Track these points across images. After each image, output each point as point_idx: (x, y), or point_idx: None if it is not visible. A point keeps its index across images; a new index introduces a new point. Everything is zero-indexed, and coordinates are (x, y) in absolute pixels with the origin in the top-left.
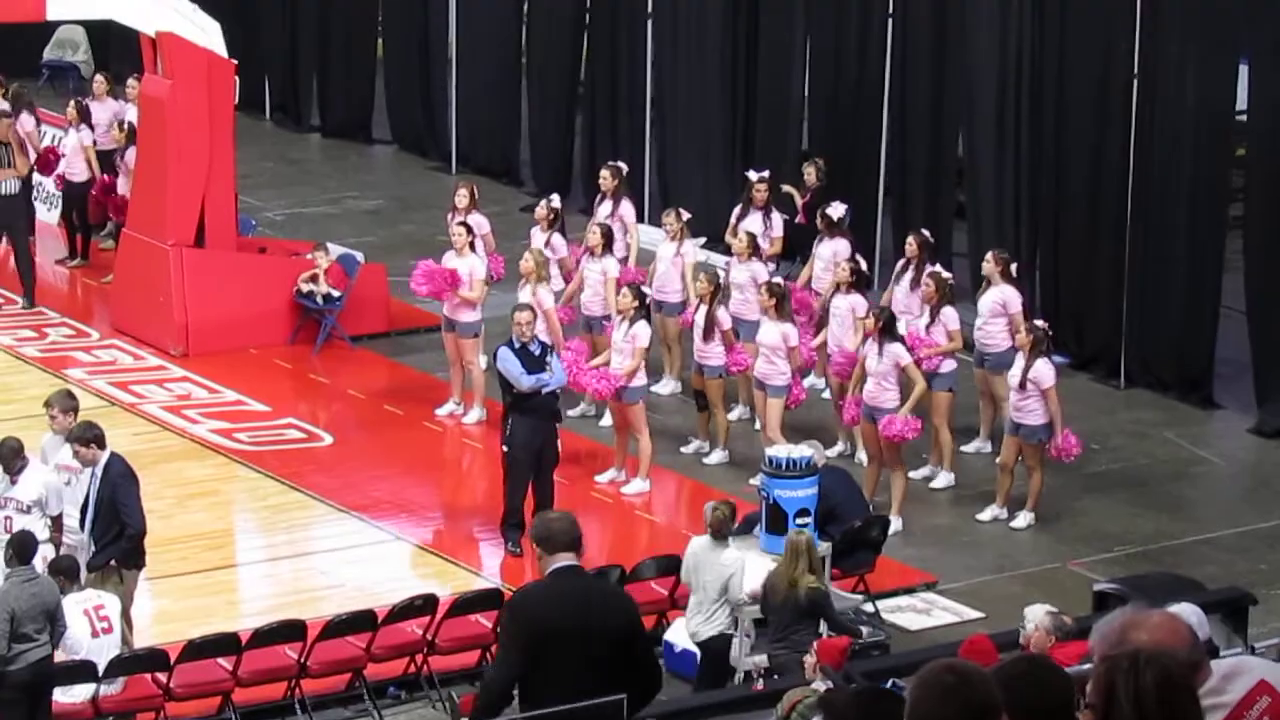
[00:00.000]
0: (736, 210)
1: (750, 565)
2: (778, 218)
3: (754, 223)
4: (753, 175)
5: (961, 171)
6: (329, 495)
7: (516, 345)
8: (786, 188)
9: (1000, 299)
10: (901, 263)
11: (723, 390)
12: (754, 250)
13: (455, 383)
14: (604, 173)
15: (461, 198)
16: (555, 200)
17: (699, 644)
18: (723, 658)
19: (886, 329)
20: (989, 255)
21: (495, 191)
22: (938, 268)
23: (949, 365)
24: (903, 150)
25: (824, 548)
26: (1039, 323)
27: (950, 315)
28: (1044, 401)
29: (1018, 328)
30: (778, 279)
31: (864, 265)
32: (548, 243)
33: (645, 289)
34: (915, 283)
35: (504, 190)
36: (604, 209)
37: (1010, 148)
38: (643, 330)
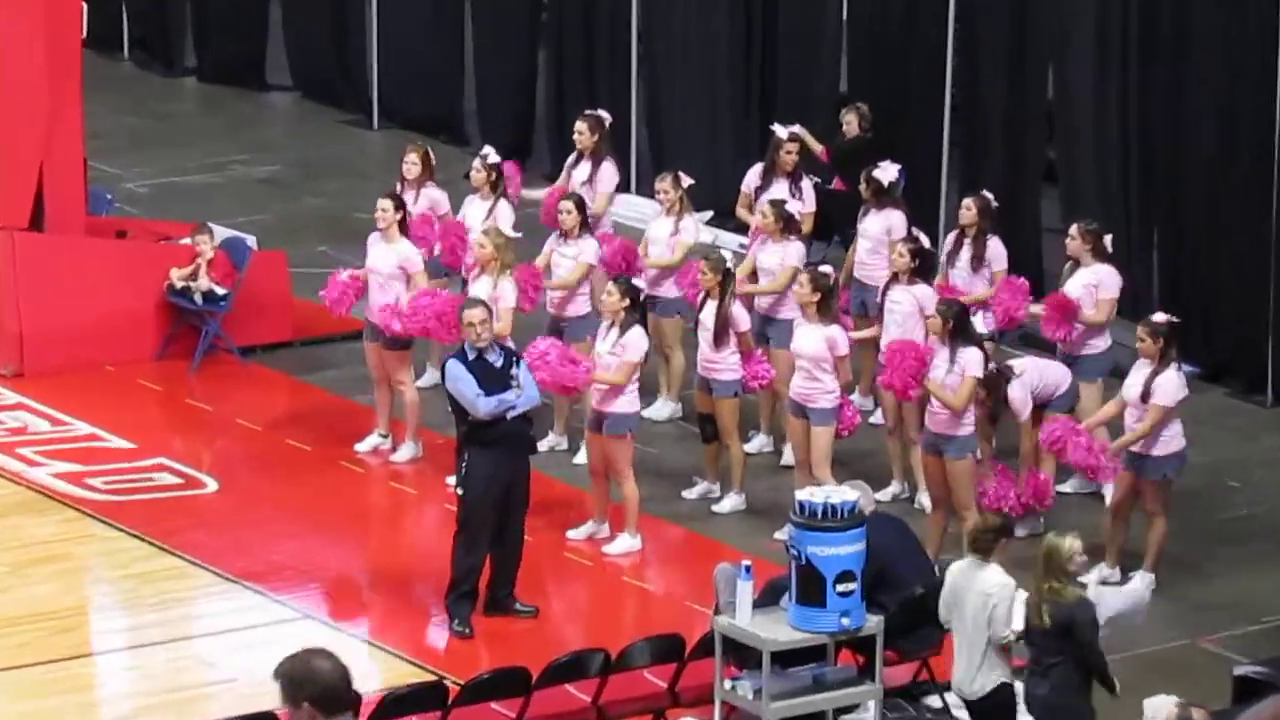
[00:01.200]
0: (753, 175)
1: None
2: (809, 186)
3: (778, 193)
4: (780, 131)
5: (1051, 121)
6: (214, 560)
7: (470, 355)
8: (790, 130)
9: (1092, 281)
10: (954, 235)
11: (738, 414)
12: (786, 225)
13: (382, 408)
14: (579, 126)
15: (411, 166)
16: (491, 154)
17: (973, 703)
18: (1009, 716)
19: (959, 329)
20: (1073, 230)
21: (434, 152)
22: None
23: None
24: (973, 93)
25: (873, 622)
26: (1161, 317)
27: (1017, 396)
28: (1155, 420)
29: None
30: (825, 267)
31: (927, 242)
32: (491, 212)
33: (638, 282)
34: (978, 260)
35: (444, 152)
36: (580, 173)
37: (1115, 89)
38: (636, 340)
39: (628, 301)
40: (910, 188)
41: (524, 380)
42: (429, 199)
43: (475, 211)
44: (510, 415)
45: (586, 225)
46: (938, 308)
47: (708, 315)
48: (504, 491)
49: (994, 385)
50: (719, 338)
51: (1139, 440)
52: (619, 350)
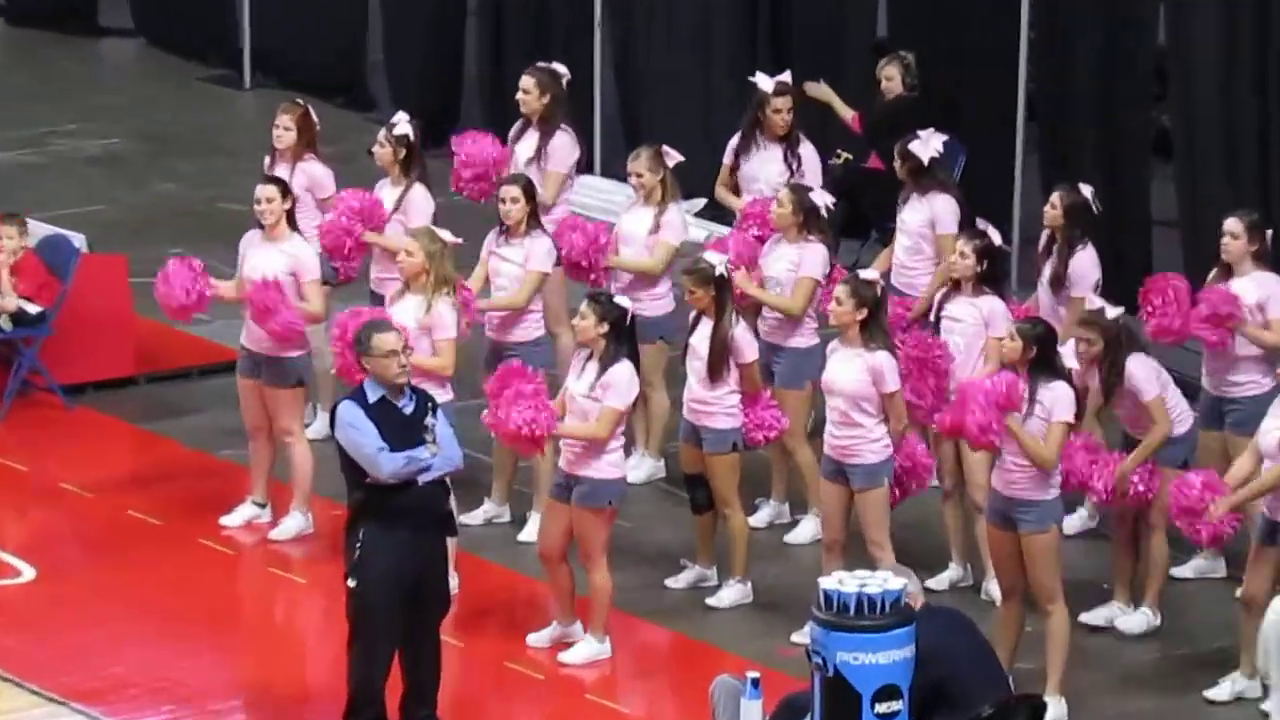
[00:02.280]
0: (732, 146)
1: None
2: (811, 154)
3: (766, 165)
4: (764, 82)
5: (1164, 77)
6: (31, 674)
7: (371, 397)
8: (778, 80)
9: (1260, 297)
10: (1043, 240)
11: (738, 474)
12: (808, 220)
13: (259, 467)
14: (525, 84)
15: (283, 132)
16: (402, 123)
17: None
18: None
19: (1042, 359)
20: (1232, 223)
21: (329, 120)
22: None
23: (1178, 424)
24: (1058, 40)
25: None
26: None
27: (1142, 374)
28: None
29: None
30: (869, 273)
31: (997, 239)
32: (401, 203)
33: (621, 300)
34: (1056, 280)
35: (342, 118)
36: (525, 147)
37: (1247, 36)
38: (622, 379)
39: (607, 326)
40: (970, 167)
41: (442, 434)
42: (308, 176)
43: (386, 197)
44: (422, 480)
45: (536, 218)
46: (1018, 328)
47: (700, 340)
48: (414, 583)
49: (1113, 347)
50: (714, 371)
51: (1266, 494)
52: (599, 393)
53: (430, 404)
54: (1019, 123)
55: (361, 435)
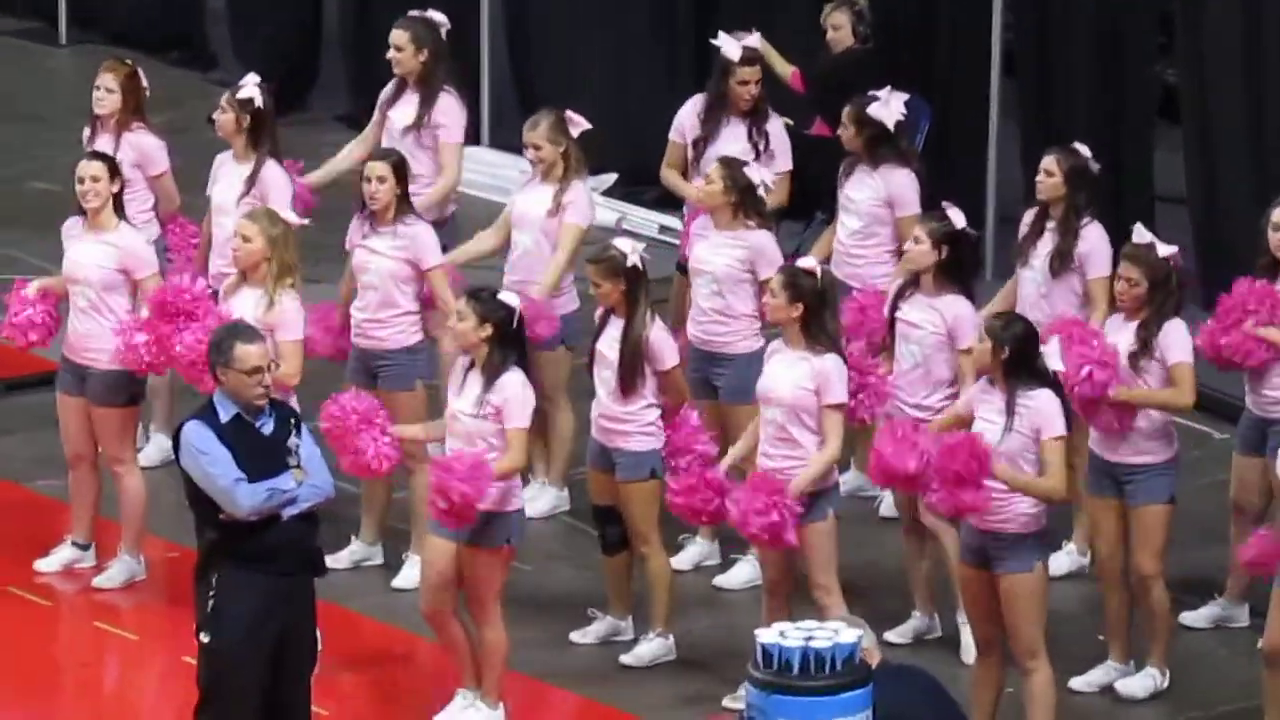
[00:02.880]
0: (688, 115)
1: None
2: (779, 131)
3: (731, 145)
4: (729, 46)
5: (1170, 25)
6: None
7: (224, 416)
8: (747, 42)
9: None
10: (1029, 217)
11: (658, 504)
12: (743, 200)
13: (81, 502)
14: (396, 38)
15: (105, 95)
16: (250, 86)
17: None
18: None
19: (1020, 362)
20: None
21: (161, 81)
22: (1092, 225)
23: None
24: None
25: None
26: None
27: (1175, 337)
28: None
29: None
30: (807, 261)
31: (960, 221)
32: (251, 185)
33: (506, 297)
34: (1060, 260)
35: (176, 79)
36: (401, 114)
37: None
38: (515, 393)
39: (491, 328)
40: (937, 135)
41: (307, 457)
42: (136, 150)
43: (227, 180)
44: (287, 514)
45: (408, 202)
46: (987, 327)
47: (609, 344)
48: (278, 637)
49: (1160, 291)
50: (627, 381)
51: None
52: (489, 411)
53: (293, 420)
54: (993, 80)
55: (214, 464)
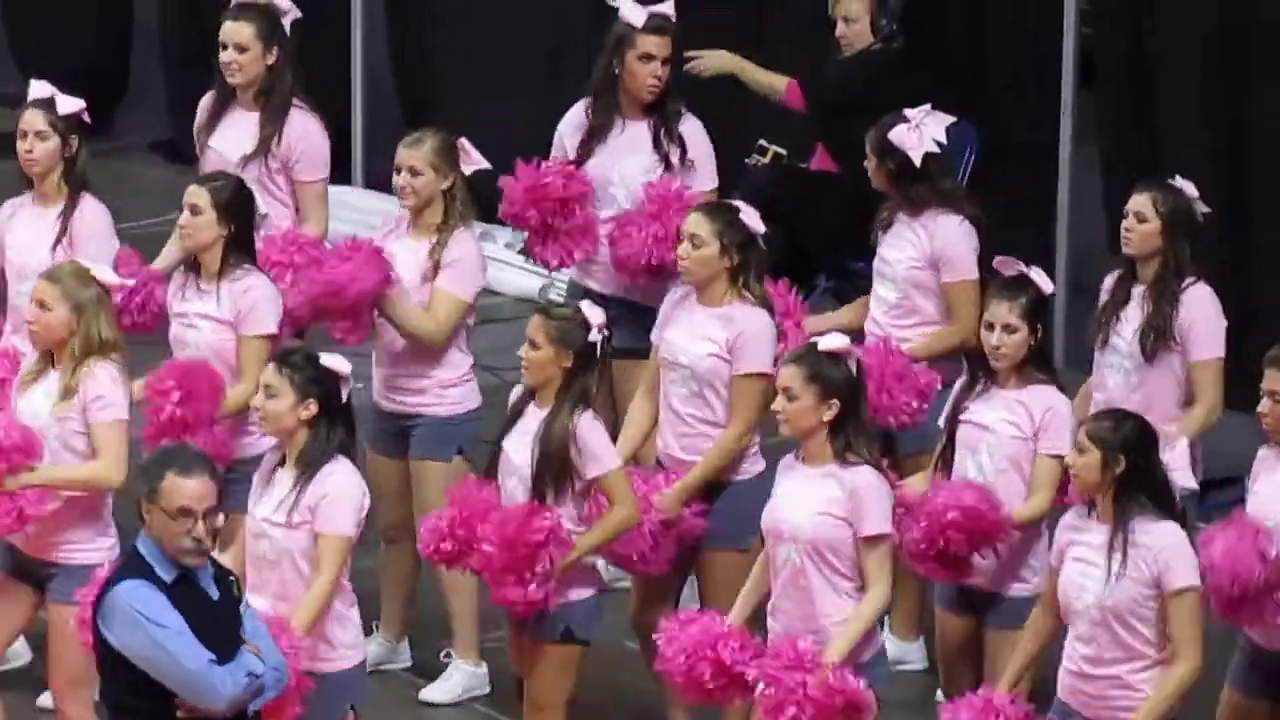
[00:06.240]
0: (571, 125)
1: None
2: (698, 133)
3: (626, 153)
4: (630, 11)
5: None
6: None
7: (168, 577)
8: (653, 9)
9: None
10: (1111, 281)
11: (573, 671)
12: (744, 261)
13: None
14: (234, 33)
15: None
16: (65, 98)
17: None
18: None
19: (1136, 482)
20: None
21: None
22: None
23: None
24: None
25: None
26: None
27: None
28: None
29: None
30: (837, 341)
31: (1048, 287)
32: (63, 237)
33: (330, 359)
34: (1155, 337)
35: None
36: (228, 139)
37: None
38: (342, 487)
39: (316, 406)
40: (985, 170)
41: (252, 631)
42: None
43: (29, 231)
44: (254, 706)
45: (247, 247)
46: (1090, 431)
47: (519, 442)
48: None
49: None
50: (542, 487)
51: None
52: (303, 521)
53: (233, 581)
54: (1066, 92)
55: (174, 640)
